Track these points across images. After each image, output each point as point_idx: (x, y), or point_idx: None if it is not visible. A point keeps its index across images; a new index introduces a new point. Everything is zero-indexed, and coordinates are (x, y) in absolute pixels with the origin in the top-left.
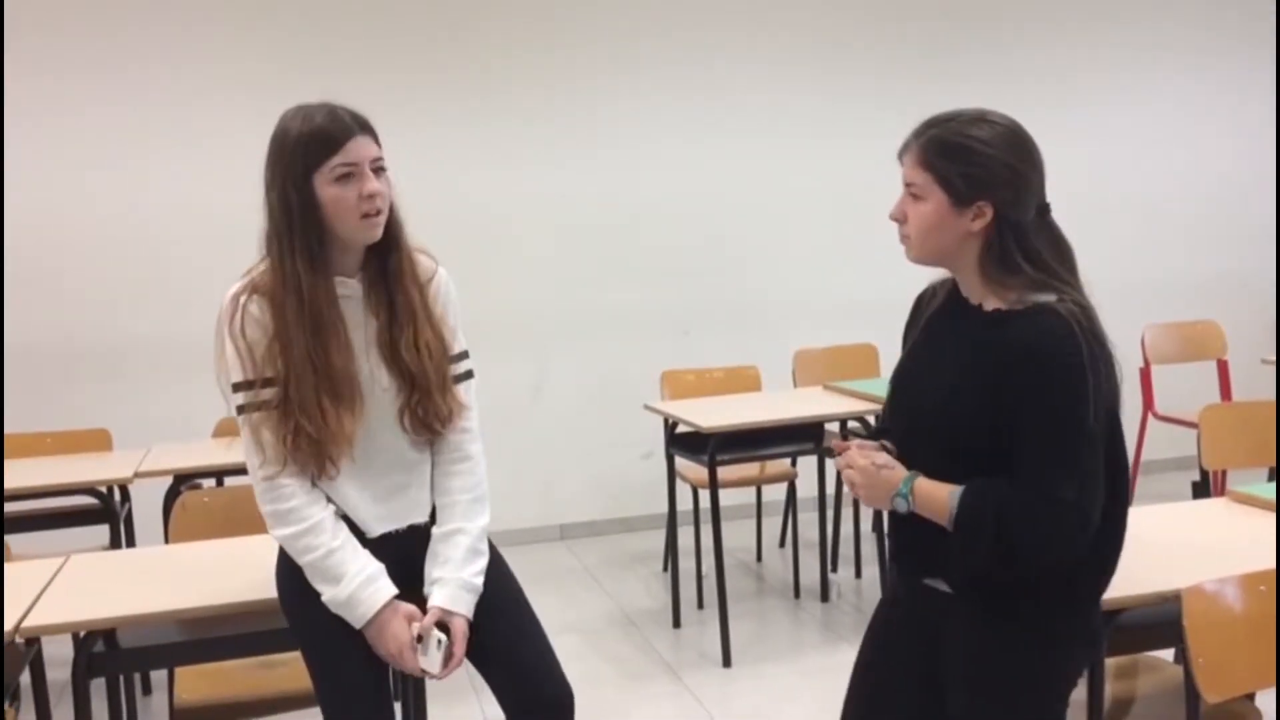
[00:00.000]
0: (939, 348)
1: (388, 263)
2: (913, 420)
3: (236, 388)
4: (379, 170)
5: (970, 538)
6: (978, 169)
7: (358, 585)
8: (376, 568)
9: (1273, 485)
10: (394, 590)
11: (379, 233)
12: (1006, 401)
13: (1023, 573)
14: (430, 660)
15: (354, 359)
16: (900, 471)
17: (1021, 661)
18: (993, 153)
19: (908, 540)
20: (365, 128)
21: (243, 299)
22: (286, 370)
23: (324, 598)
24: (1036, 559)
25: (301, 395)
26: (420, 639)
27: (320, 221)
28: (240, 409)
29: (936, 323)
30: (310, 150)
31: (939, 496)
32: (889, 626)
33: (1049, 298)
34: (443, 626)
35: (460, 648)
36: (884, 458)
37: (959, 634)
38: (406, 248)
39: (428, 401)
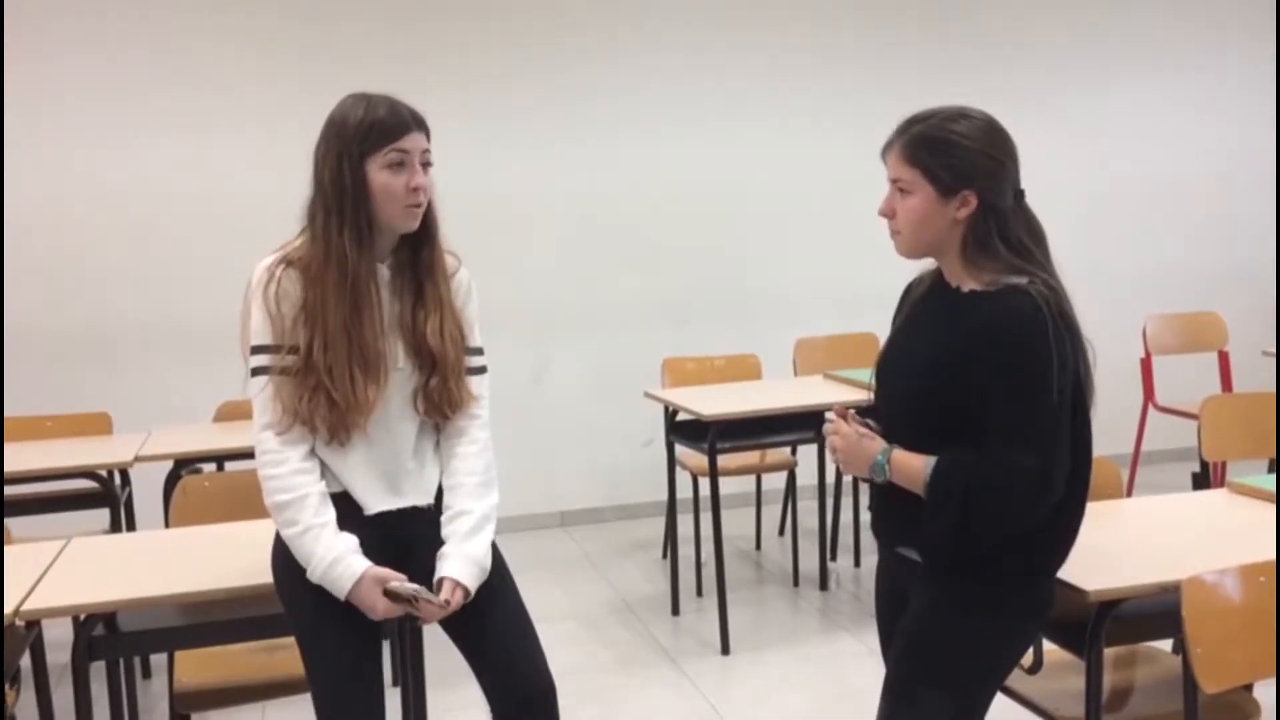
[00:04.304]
0: (919, 328)
1: (420, 253)
2: (893, 396)
3: (260, 350)
4: (426, 165)
5: (940, 503)
6: (960, 160)
7: (325, 567)
8: (344, 548)
9: (1273, 477)
10: (362, 567)
11: (416, 224)
12: (977, 376)
13: (988, 538)
14: (425, 593)
15: (383, 336)
16: (880, 443)
17: (963, 624)
18: (973, 145)
19: (884, 510)
20: (420, 124)
21: (277, 270)
22: (323, 339)
23: (306, 574)
24: (1000, 523)
25: (334, 363)
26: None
27: (368, 204)
28: (260, 370)
29: (919, 306)
30: (369, 136)
31: (914, 466)
32: (878, 589)
33: (1021, 280)
34: (436, 588)
35: (440, 611)
36: (867, 429)
37: (922, 598)
38: (439, 243)
39: (444, 386)
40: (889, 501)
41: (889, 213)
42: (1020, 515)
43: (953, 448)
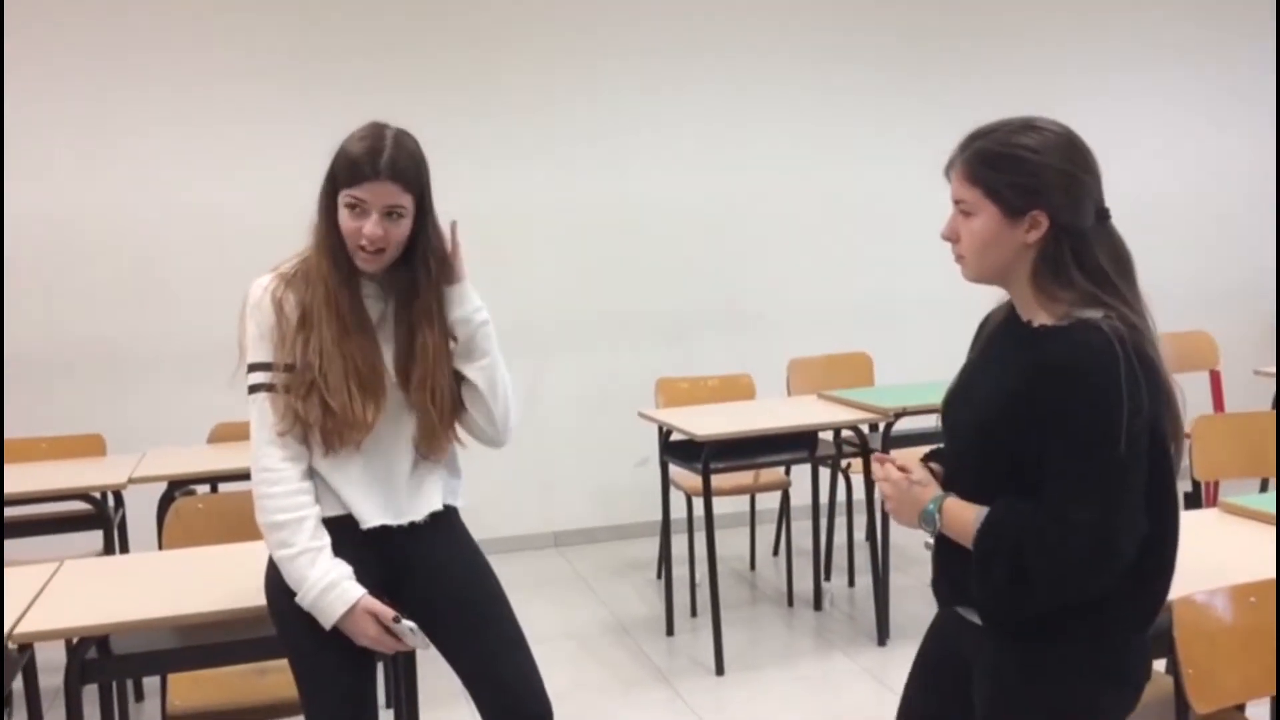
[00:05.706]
0: (986, 367)
1: (414, 304)
2: (955, 436)
3: (257, 368)
4: (392, 215)
5: (985, 559)
6: (1028, 177)
7: (318, 593)
8: (338, 574)
9: (1265, 496)
10: (355, 595)
11: (372, 268)
12: (1036, 418)
13: (1043, 600)
14: (415, 640)
15: (380, 354)
16: (933, 489)
17: (1043, 697)
18: (1042, 159)
19: (942, 566)
20: (397, 175)
21: (272, 287)
22: (319, 355)
23: (296, 598)
24: (1056, 585)
25: (329, 373)
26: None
27: (339, 233)
28: (258, 387)
29: (992, 341)
30: (340, 171)
31: (965, 517)
32: (929, 652)
33: (1095, 313)
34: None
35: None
36: (921, 474)
37: (986, 666)
38: (432, 294)
39: (431, 439)
40: (947, 556)
41: (952, 236)
42: (1077, 577)
43: (1010, 498)
